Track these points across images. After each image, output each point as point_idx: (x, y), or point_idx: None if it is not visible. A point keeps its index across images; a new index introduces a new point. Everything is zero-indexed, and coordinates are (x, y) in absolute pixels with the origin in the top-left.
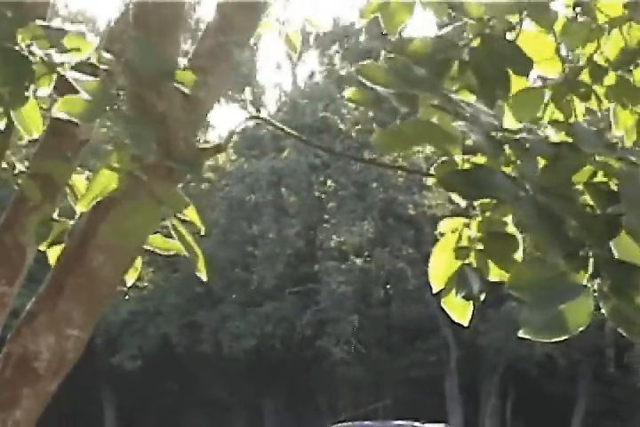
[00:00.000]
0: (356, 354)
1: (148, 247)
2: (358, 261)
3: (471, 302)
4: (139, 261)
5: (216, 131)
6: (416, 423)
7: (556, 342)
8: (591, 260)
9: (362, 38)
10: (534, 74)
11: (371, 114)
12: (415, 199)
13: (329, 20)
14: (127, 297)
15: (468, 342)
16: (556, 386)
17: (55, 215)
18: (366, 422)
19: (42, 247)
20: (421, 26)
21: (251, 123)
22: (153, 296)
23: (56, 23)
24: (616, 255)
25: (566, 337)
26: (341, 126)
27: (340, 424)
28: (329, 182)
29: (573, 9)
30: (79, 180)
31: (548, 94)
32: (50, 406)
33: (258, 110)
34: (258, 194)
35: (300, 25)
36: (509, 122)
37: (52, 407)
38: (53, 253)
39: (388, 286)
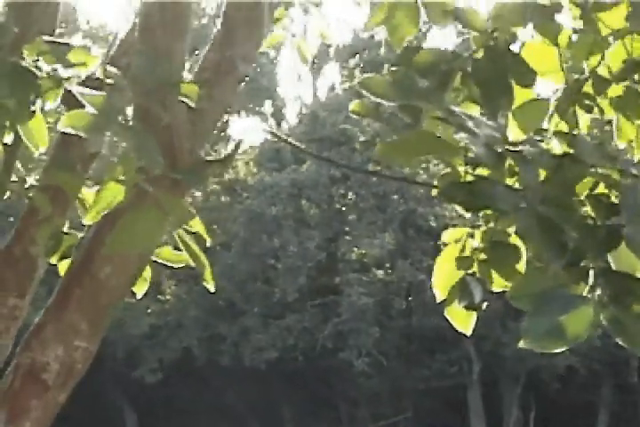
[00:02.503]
0: (377, 366)
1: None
2: (379, 272)
3: (474, 311)
4: (149, 273)
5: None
6: None
7: (577, 353)
8: (591, 271)
9: (382, 51)
10: (548, 85)
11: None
12: (436, 211)
13: (349, 33)
14: (149, 311)
15: (489, 353)
16: (579, 396)
17: (66, 228)
18: None
19: (53, 260)
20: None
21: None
22: (174, 309)
23: (77, 39)
24: (616, 266)
25: (566, 348)
26: (362, 138)
27: None
28: (349, 194)
29: (578, 21)
30: (89, 193)
31: (553, 105)
32: (71, 419)
33: (278, 123)
34: (278, 206)
35: (317, 38)
36: (514, 133)
37: (73, 420)
38: (64, 266)
39: (409, 298)
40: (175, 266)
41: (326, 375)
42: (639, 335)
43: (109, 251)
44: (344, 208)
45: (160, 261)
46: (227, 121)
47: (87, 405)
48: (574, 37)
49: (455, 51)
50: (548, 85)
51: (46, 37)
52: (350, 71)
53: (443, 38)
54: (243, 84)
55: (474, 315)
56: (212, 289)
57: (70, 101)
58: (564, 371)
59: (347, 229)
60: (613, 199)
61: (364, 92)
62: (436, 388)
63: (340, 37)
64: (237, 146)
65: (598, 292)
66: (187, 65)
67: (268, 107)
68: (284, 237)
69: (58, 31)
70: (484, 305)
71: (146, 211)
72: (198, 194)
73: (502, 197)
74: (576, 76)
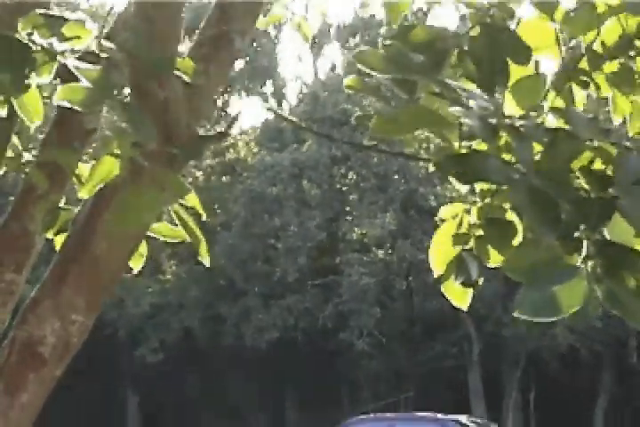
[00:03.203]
0: (378, 346)
1: (159, 237)
2: (380, 253)
3: (471, 287)
4: (145, 248)
5: (238, 123)
6: (439, 415)
7: (578, 333)
8: (585, 242)
9: (382, 30)
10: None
11: (393, 104)
12: (436, 191)
13: (349, 13)
14: (149, 290)
15: (490, 333)
16: (579, 377)
17: (62, 203)
18: (388, 414)
19: (49, 235)
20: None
21: (271, 115)
22: (175, 289)
23: (76, 16)
24: (611, 238)
25: (559, 317)
26: (355, 115)
27: (361, 416)
28: (350, 174)
29: None
30: (86, 168)
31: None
32: (73, 396)
33: (279, 103)
34: (279, 186)
35: (317, 17)
36: (511, 110)
37: (75, 398)
38: (60, 241)
39: (409, 278)
40: (174, 243)
41: (327, 355)
42: (634, 307)
43: (106, 227)
44: (345, 188)
45: (157, 236)
46: (227, 100)
47: (88, 383)
48: (571, 13)
49: (451, 28)
50: (546, 61)
51: (41, 11)
52: (351, 51)
53: (446, 17)
54: (239, 59)
55: (470, 290)
56: (208, 264)
57: (65, 75)
58: (564, 351)
59: (347, 209)
60: (608, 172)
61: (359, 65)
62: (436, 368)
63: (340, 17)
64: (232, 122)
65: (592, 263)
66: (184, 40)
67: (268, 86)
68: (284, 217)
69: (57, 9)
70: (481, 281)
71: (143, 187)
72: (199, 174)
73: (496, 170)
74: (572, 52)
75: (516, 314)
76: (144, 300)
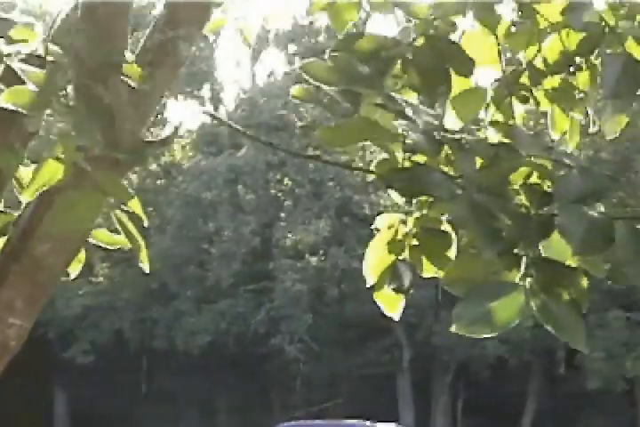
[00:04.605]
0: (309, 352)
1: (98, 243)
2: (313, 259)
3: (402, 295)
4: (83, 254)
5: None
6: (367, 423)
7: (508, 344)
8: (524, 258)
9: (321, 37)
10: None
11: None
12: (371, 199)
13: (288, 19)
14: (81, 292)
15: (421, 341)
16: (508, 386)
17: (1, 207)
18: (317, 421)
19: None
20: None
21: (208, 119)
22: (107, 291)
23: (13, 16)
24: (547, 255)
25: (496, 333)
26: (299, 124)
27: (290, 423)
28: (285, 180)
29: (517, 13)
30: (26, 171)
31: (490, 95)
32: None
33: (216, 107)
34: (214, 191)
35: (257, 22)
36: (452, 122)
37: (2, 400)
38: (0, 244)
39: (342, 285)
40: (109, 248)
41: (259, 360)
42: (567, 323)
43: (48, 229)
44: (280, 194)
45: (95, 242)
46: (164, 104)
47: (16, 385)
48: (513, 29)
49: (396, 38)
50: (487, 75)
51: None
52: (289, 57)
53: (382, 27)
54: (183, 65)
55: (402, 299)
56: (147, 270)
57: (8, 78)
58: (494, 361)
59: (282, 215)
60: (546, 189)
61: (305, 76)
62: (367, 375)
63: (279, 23)
64: (177, 128)
65: (530, 279)
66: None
67: (206, 91)
68: (219, 222)
69: None
70: (411, 291)
71: (85, 190)
72: (134, 176)
73: (440, 184)
74: (513, 67)
75: (453, 329)
76: (75, 301)
